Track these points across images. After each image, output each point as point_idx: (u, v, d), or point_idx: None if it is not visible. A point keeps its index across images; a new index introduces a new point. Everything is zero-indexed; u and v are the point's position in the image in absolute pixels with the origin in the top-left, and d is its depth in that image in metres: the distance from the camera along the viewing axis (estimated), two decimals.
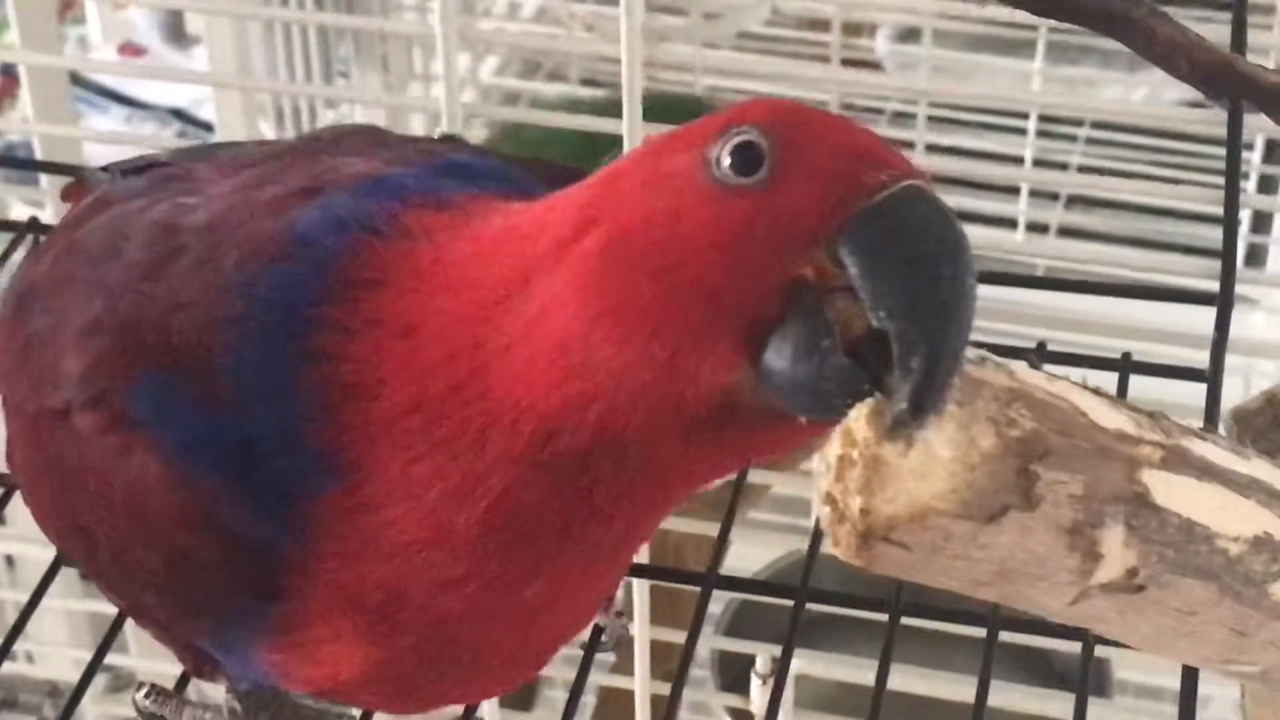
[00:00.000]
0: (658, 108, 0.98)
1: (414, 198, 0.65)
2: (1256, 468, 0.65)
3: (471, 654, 0.66)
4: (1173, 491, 0.62)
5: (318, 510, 0.62)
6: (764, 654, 1.06)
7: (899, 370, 0.55)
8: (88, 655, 1.37)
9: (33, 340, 0.70)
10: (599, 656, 0.87)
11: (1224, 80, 0.64)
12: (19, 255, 1.07)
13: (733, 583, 0.95)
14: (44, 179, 1.34)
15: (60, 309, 0.69)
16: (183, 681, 0.81)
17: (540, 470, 0.60)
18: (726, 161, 0.58)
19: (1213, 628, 0.64)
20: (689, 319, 0.57)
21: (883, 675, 0.82)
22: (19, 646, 1.44)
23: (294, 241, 0.65)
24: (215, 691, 0.77)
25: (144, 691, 0.78)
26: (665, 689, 1.09)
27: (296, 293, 0.63)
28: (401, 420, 0.61)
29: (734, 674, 1.31)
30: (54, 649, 1.41)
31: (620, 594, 0.88)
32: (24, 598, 1.45)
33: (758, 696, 1.07)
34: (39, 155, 1.35)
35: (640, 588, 1.01)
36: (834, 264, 0.57)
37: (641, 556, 0.95)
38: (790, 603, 0.87)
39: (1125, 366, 0.96)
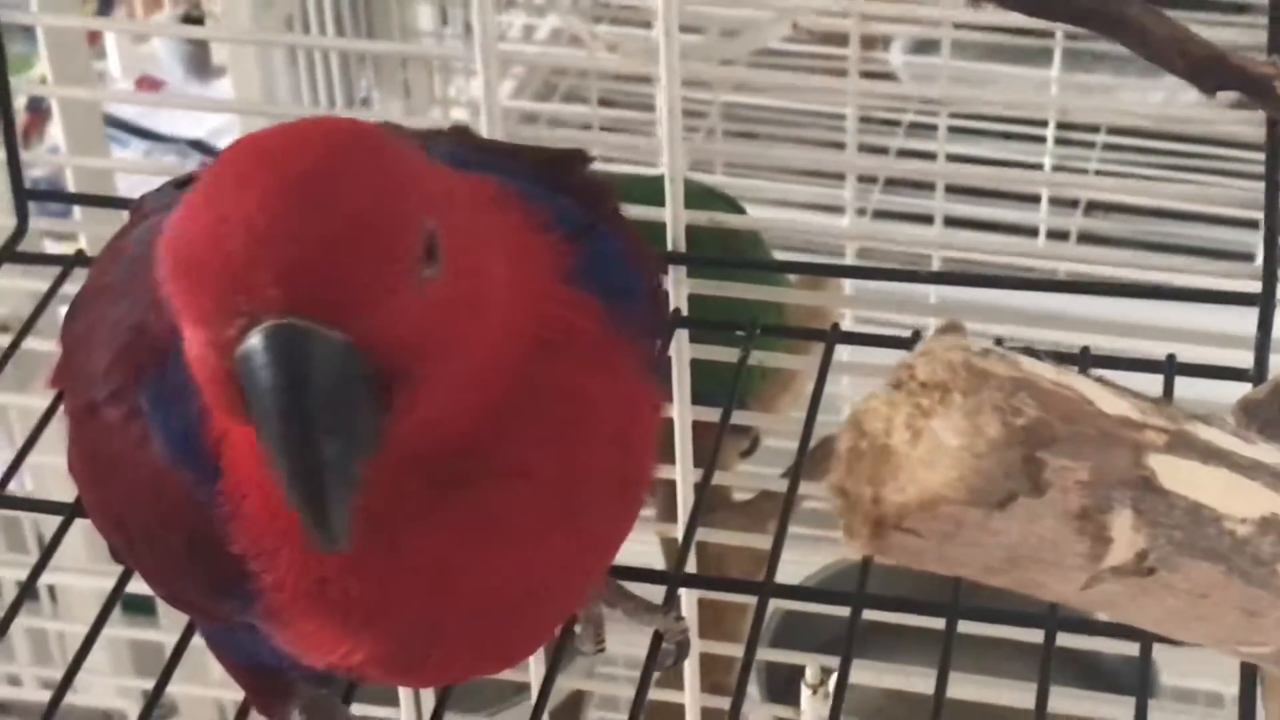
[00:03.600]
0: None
1: None
2: (1262, 451, 0.66)
3: (431, 635, 0.69)
4: (1178, 475, 0.63)
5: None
6: (813, 664, 1.06)
7: None
8: (129, 682, 1.39)
9: (74, 343, 0.74)
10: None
11: (1216, 73, 0.66)
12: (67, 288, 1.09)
13: (789, 591, 0.95)
14: (77, 211, 1.36)
15: (95, 313, 0.73)
16: (242, 713, 0.82)
17: None
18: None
19: (1224, 609, 0.65)
20: None
21: (942, 681, 0.83)
22: (61, 675, 1.46)
23: None
24: None
25: None
26: (713, 702, 1.11)
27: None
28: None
29: (780, 685, 1.32)
30: (96, 677, 1.43)
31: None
32: (66, 627, 1.48)
33: (808, 706, 1.08)
34: (72, 188, 1.37)
35: (689, 599, 1.02)
36: None
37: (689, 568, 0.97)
38: (844, 610, 0.88)
39: (1170, 368, 0.97)
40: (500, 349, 0.64)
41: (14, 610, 0.90)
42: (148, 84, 2.40)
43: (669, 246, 0.99)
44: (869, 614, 0.94)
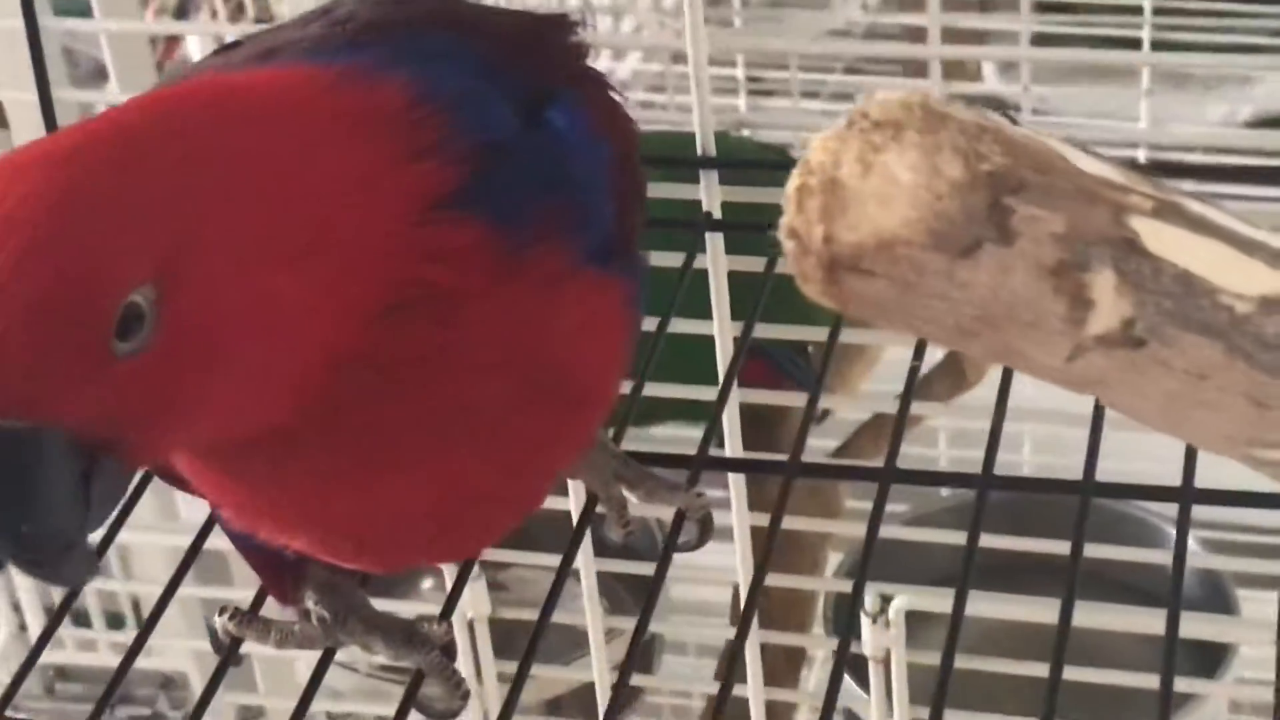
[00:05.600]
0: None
1: None
2: (1267, 236, 0.63)
3: (347, 541, 0.69)
4: (1165, 241, 0.60)
5: None
6: (871, 592, 1.03)
7: None
8: (201, 645, 1.37)
9: None
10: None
11: None
12: None
13: (912, 476, 0.92)
14: None
15: None
16: (257, 602, 0.81)
17: None
18: None
19: (1229, 397, 0.62)
20: None
21: (972, 544, 0.79)
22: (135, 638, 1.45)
23: None
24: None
25: (227, 615, 0.78)
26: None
27: None
28: None
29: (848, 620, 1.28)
30: (167, 640, 1.42)
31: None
32: (138, 589, 1.47)
33: (868, 636, 1.04)
34: None
35: (744, 546, 0.99)
36: None
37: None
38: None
39: None
40: (289, 360, 0.61)
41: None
42: None
43: (699, 151, 0.97)
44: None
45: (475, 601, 1.10)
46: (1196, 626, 1.13)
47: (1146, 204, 0.60)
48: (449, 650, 0.77)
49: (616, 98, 0.76)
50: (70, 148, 0.58)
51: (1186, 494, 0.80)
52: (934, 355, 1.34)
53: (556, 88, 0.71)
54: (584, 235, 0.68)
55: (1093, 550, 1.00)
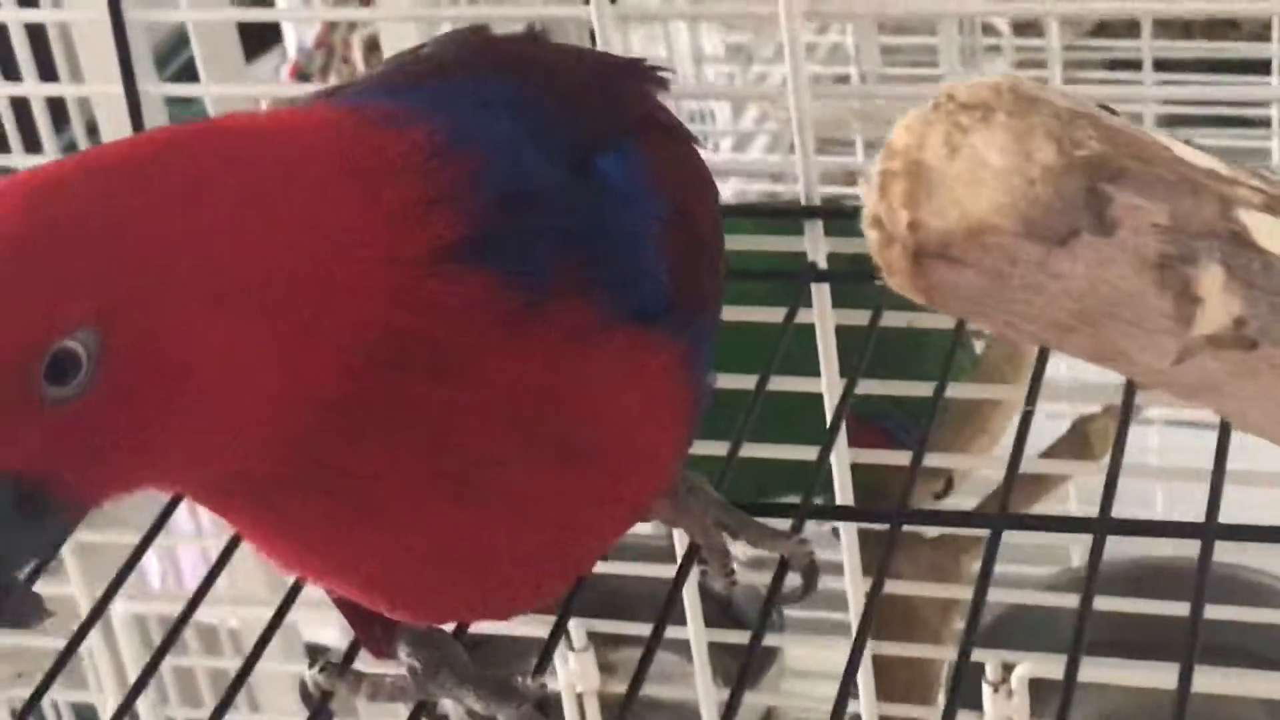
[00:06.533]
0: None
1: None
2: None
3: (378, 587, 0.67)
4: (1277, 236, 0.57)
5: None
6: (993, 660, 0.99)
7: None
8: None
9: None
10: None
11: None
12: None
13: (1024, 520, 0.87)
14: None
15: None
16: (350, 655, 0.79)
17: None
18: None
19: None
20: None
21: (1086, 603, 0.75)
22: (246, 718, 1.43)
23: None
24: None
25: (318, 667, 0.76)
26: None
27: None
28: None
29: (972, 690, 1.24)
30: (279, 717, 1.40)
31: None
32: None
33: (990, 706, 0.99)
34: None
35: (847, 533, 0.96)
36: None
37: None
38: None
39: None
40: (259, 408, 0.58)
41: (170, 639, 0.85)
42: None
43: (802, 200, 0.94)
44: None
45: (584, 674, 1.06)
46: None
47: (1255, 197, 0.57)
48: (544, 706, 0.74)
49: (690, 148, 0.72)
50: (33, 184, 0.56)
51: None
52: (1059, 426, 1.30)
53: (614, 136, 0.67)
54: (621, 291, 0.64)
55: (1219, 612, 0.97)
